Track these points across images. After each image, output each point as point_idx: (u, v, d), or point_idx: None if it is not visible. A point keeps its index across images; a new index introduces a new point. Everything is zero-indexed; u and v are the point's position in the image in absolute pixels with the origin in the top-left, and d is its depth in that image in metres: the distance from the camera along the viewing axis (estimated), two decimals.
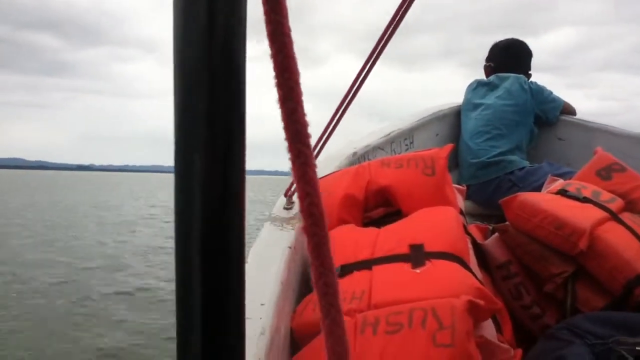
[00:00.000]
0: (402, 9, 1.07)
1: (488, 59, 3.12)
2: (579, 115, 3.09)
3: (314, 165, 0.27)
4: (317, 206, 0.26)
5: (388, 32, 1.14)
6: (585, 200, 1.63)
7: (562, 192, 1.70)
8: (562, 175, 2.14)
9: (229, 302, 0.31)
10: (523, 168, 2.70)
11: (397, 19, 1.10)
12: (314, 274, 0.28)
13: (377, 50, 1.19)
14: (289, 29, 0.25)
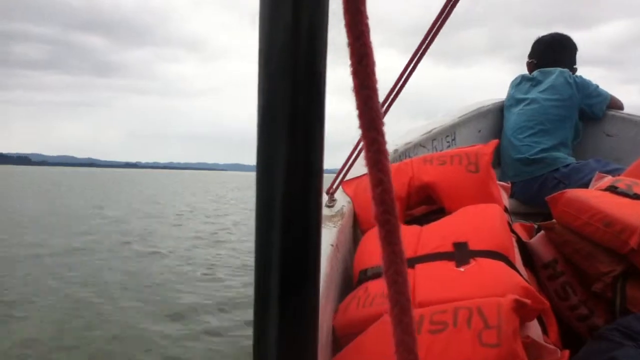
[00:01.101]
0: (450, 4, 1.05)
1: (531, 55, 3.02)
2: (632, 111, 2.96)
3: (387, 153, 0.27)
4: (389, 194, 0.26)
5: (435, 28, 1.12)
6: (636, 197, 1.58)
7: (612, 189, 1.64)
8: (610, 172, 2.07)
9: (306, 288, 0.32)
10: (568, 165, 2.62)
11: (444, 14, 1.08)
12: (385, 262, 0.28)
13: (424, 46, 1.17)
14: (366, 18, 0.25)
